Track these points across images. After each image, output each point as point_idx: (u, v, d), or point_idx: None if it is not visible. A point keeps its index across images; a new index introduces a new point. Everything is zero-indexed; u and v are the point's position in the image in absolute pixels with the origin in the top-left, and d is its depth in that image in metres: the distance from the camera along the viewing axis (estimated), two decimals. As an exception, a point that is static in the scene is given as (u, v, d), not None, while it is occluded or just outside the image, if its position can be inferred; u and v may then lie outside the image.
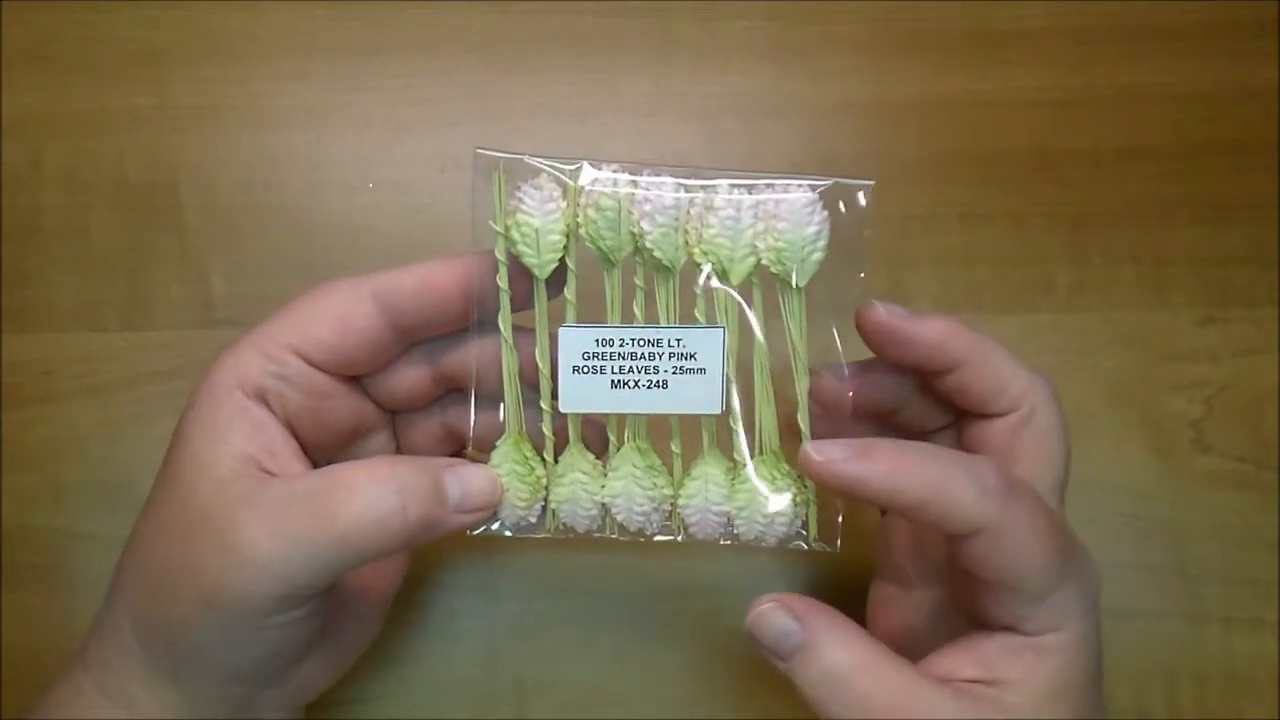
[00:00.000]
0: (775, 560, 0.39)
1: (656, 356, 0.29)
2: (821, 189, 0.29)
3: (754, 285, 0.29)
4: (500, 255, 0.29)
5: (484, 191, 0.29)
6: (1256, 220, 0.41)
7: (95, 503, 0.39)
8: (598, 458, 0.31)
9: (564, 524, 0.31)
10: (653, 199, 0.29)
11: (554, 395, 0.30)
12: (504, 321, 0.30)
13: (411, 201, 0.41)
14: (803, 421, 0.29)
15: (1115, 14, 0.43)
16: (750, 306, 0.29)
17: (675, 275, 0.29)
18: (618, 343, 0.29)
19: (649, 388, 0.29)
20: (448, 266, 0.29)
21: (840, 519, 0.30)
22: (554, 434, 0.30)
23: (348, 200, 0.41)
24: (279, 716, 0.31)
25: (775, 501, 0.30)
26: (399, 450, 0.33)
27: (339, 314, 0.29)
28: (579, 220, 0.29)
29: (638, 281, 0.29)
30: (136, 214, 0.41)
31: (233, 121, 0.42)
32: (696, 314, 0.29)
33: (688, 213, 0.29)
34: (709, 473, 0.30)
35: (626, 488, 0.30)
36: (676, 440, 0.31)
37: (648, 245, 0.29)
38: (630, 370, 0.29)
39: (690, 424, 0.30)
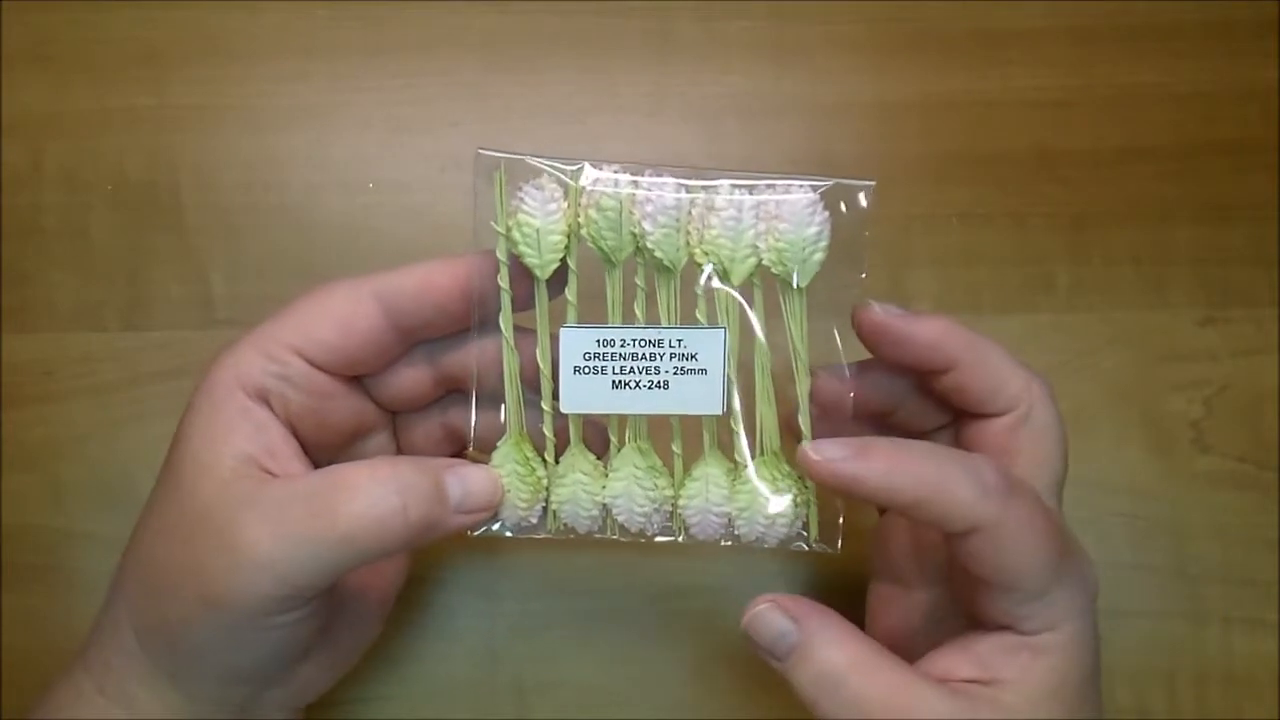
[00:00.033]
0: (775, 561, 0.39)
1: (657, 357, 0.29)
2: (823, 189, 0.29)
3: (755, 286, 0.29)
4: (501, 255, 0.29)
5: (485, 192, 0.29)
6: (1256, 220, 0.41)
7: (95, 503, 0.39)
8: (599, 458, 0.31)
9: (565, 524, 0.31)
10: (654, 199, 0.29)
11: (555, 396, 0.30)
12: (505, 322, 0.30)
13: (411, 201, 0.41)
14: (803, 422, 0.29)
15: (1115, 14, 0.43)
16: (751, 307, 0.29)
17: (676, 276, 0.29)
18: (619, 343, 0.29)
19: (650, 388, 0.29)
20: (448, 267, 0.29)
21: (841, 520, 0.30)
22: (555, 434, 0.31)
23: (348, 200, 0.41)
24: (279, 717, 0.31)
25: (776, 502, 0.30)
26: (399, 451, 0.33)
27: (340, 314, 0.29)
28: (580, 221, 0.29)
29: (639, 282, 0.29)
30: (136, 214, 0.41)
31: (233, 121, 0.42)
32: (697, 314, 0.29)
33: (689, 213, 0.29)
34: (710, 473, 0.30)
35: (627, 488, 0.30)
36: (677, 441, 0.31)
37: (649, 246, 0.29)
38: (631, 371, 0.29)
39: (691, 425, 0.30)
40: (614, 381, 0.29)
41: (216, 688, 0.29)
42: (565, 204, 0.29)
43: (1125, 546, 0.39)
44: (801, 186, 0.29)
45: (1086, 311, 0.41)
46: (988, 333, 0.30)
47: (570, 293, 0.30)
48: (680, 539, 0.31)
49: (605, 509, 0.31)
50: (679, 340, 0.29)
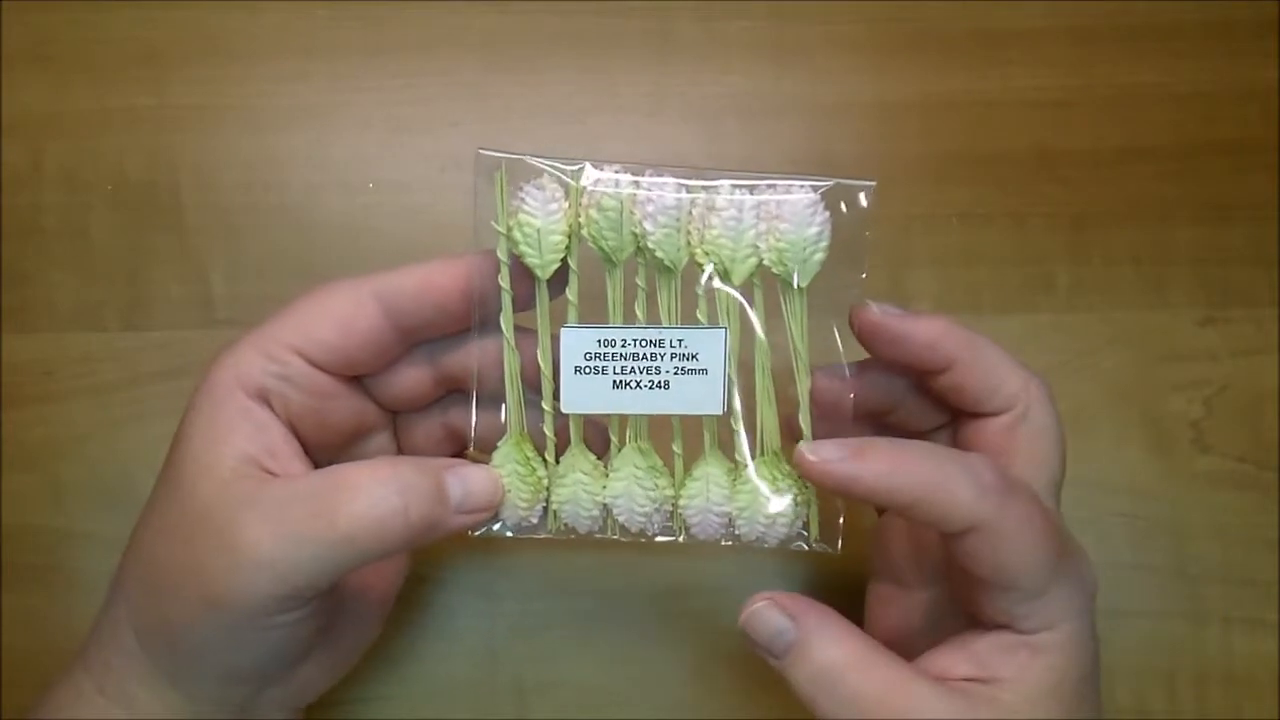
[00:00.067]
0: (775, 560, 0.39)
1: (658, 357, 0.29)
2: (823, 189, 0.29)
3: (755, 286, 0.29)
4: (502, 255, 0.29)
5: (485, 192, 0.29)
6: (1256, 220, 0.41)
7: (95, 503, 0.39)
8: (599, 458, 0.31)
9: (565, 524, 0.31)
10: (655, 199, 0.29)
11: (555, 396, 0.30)
12: (506, 322, 0.30)
13: (411, 201, 0.41)
14: (804, 422, 0.29)
15: (1115, 14, 0.43)
16: (752, 307, 0.29)
17: (677, 276, 0.29)
18: (619, 343, 0.29)
19: (650, 388, 0.29)
20: (449, 267, 0.29)
21: (841, 520, 0.30)
22: (555, 434, 0.30)
23: (348, 200, 0.41)
24: (279, 717, 0.31)
25: (776, 502, 0.30)
26: (400, 451, 0.33)
27: (341, 314, 0.29)
28: (581, 221, 0.29)
29: (639, 282, 0.29)
30: (136, 214, 0.41)
31: (233, 121, 0.42)
32: (698, 314, 0.29)
33: (689, 213, 0.29)
34: (710, 473, 0.30)
35: (628, 488, 0.30)
36: (678, 441, 0.31)
37: (650, 246, 0.29)
38: (632, 371, 0.29)
39: (692, 424, 0.30)
40: (615, 381, 0.29)
41: (216, 688, 0.29)
42: (566, 204, 0.29)
43: (1125, 546, 0.39)
44: (802, 186, 0.29)
45: (1086, 311, 0.41)
46: (988, 333, 0.30)
47: (571, 293, 0.30)
48: (681, 539, 0.31)
49: (606, 509, 0.31)
50: (680, 340, 0.29)
